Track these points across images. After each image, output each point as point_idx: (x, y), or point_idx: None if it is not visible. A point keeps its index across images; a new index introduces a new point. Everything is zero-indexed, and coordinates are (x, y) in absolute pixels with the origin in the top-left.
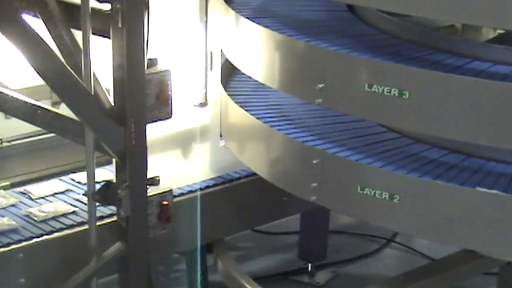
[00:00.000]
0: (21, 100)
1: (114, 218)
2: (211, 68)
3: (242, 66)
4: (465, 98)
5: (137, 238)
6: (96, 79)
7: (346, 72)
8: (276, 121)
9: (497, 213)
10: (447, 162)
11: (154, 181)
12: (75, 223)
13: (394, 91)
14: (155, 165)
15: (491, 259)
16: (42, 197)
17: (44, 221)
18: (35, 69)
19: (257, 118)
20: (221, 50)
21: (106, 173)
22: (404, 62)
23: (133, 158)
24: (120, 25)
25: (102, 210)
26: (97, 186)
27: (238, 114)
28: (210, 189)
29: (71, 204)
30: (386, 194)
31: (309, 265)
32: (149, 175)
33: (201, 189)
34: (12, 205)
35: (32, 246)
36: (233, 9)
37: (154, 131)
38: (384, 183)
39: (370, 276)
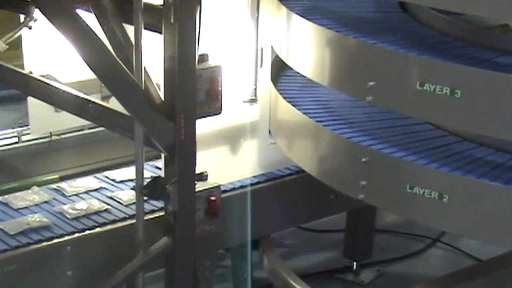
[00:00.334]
0: (72, 94)
1: (162, 213)
2: (261, 65)
3: (292, 62)
4: None
5: (184, 233)
6: (147, 74)
7: (397, 70)
8: (325, 118)
9: None
10: (493, 161)
11: (202, 177)
12: (116, 219)
13: (446, 89)
14: (203, 161)
15: None
16: (75, 194)
17: (76, 218)
18: (86, 63)
19: (306, 115)
20: (271, 47)
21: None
22: (457, 60)
23: (182, 153)
24: (172, 20)
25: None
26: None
27: (287, 111)
28: (258, 186)
29: (104, 202)
30: (435, 194)
31: (354, 263)
32: (197, 171)
33: (249, 185)
34: (45, 202)
35: (80, 240)
36: (284, 5)
37: (203, 127)
38: (434, 182)
39: (415, 275)
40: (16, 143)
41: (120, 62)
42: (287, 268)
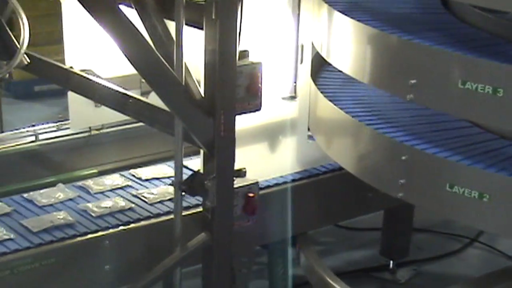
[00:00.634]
0: (113, 90)
1: (200, 209)
2: (301, 61)
3: (333, 59)
4: None
5: (222, 229)
6: (187, 70)
7: (439, 69)
8: (365, 116)
9: None
10: None
11: (241, 173)
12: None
13: (488, 88)
14: (242, 157)
15: None
16: (101, 192)
17: (100, 216)
18: (128, 59)
19: (346, 113)
20: (312, 43)
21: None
22: (499, 59)
23: (221, 150)
24: (213, 16)
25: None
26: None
27: (326, 108)
28: (296, 183)
29: (129, 200)
30: (475, 193)
31: (391, 262)
32: (236, 167)
33: (287, 182)
34: (70, 199)
35: (118, 234)
36: (326, 2)
37: (242, 123)
38: (474, 181)
39: (452, 275)
40: (55, 137)
41: (161, 57)
42: (324, 265)
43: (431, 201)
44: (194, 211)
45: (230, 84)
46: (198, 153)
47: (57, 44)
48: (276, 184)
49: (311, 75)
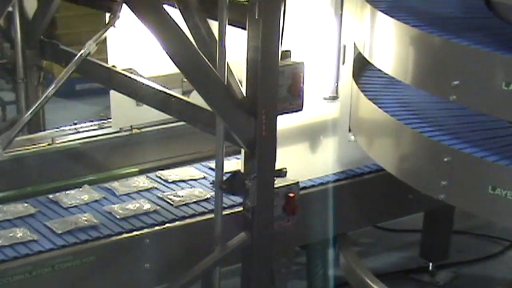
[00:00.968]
0: (155, 89)
1: (240, 208)
2: (343, 62)
3: (375, 60)
4: None
5: (261, 229)
6: (229, 70)
7: (482, 70)
8: (407, 117)
9: None
10: None
11: (281, 173)
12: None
13: None
14: (282, 157)
15: None
16: (126, 194)
17: (124, 219)
18: (171, 58)
19: (388, 113)
20: (354, 44)
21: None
22: None
23: (262, 149)
24: (256, 16)
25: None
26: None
27: (368, 109)
28: (336, 183)
29: (154, 203)
30: None
31: (430, 264)
32: (277, 167)
33: (327, 183)
34: (95, 201)
35: (159, 233)
36: (369, 3)
37: (283, 123)
38: None
39: (492, 278)
40: (97, 136)
41: (203, 57)
42: (363, 266)
43: (472, 203)
44: (234, 210)
45: (272, 84)
46: (236, 153)
47: (100, 43)
48: (317, 185)
49: (353, 76)
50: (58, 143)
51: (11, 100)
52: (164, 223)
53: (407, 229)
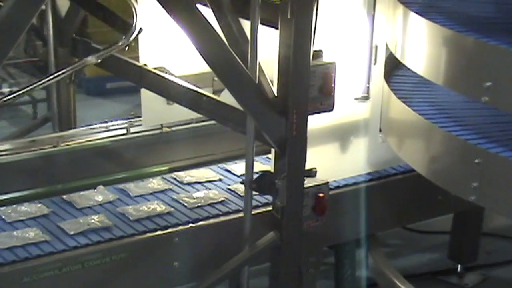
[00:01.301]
0: (186, 87)
1: (269, 208)
2: (375, 62)
3: (407, 60)
4: None
5: (291, 229)
6: (261, 69)
7: None
8: (438, 118)
9: None
10: None
11: (311, 173)
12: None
13: None
14: (312, 157)
15: None
16: (141, 195)
17: (137, 220)
18: (203, 57)
19: (419, 114)
20: (386, 44)
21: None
22: None
23: (292, 149)
24: (289, 16)
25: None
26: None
27: (399, 109)
28: (366, 184)
29: (169, 205)
30: None
31: (459, 266)
32: (307, 167)
33: (357, 183)
34: (109, 202)
35: (187, 231)
36: (401, 3)
37: (314, 123)
38: None
39: None
40: (126, 134)
41: (235, 56)
42: (392, 268)
43: (504, 205)
44: (264, 209)
45: (303, 84)
46: (264, 153)
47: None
48: (347, 185)
49: (384, 76)
50: (88, 141)
51: (42, 98)
52: (193, 221)
53: (435, 231)
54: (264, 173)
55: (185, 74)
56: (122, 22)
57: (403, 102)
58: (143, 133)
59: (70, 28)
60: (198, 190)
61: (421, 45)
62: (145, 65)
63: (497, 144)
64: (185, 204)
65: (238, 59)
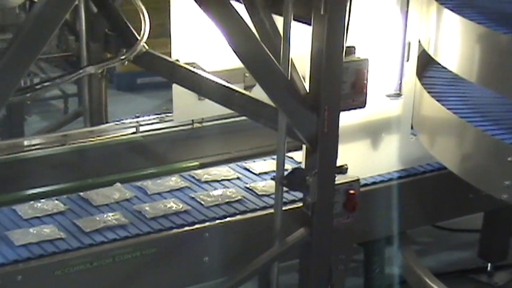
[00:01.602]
0: (219, 83)
1: (299, 204)
2: (407, 59)
3: (440, 57)
4: None
5: (321, 225)
6: (293, 65)
7: None
8: (471, 115)
9: None
10: None
11: (342, 169)
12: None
13: None
14: (344, 153)
15: None
16: (158, 193)
17: (154, 218)
18: (235, 52)
19: (451, 111)
20: (419, 41)
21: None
22: None
23: (324, 146)
24: (322, 12)
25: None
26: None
27: (431, 106)
28: (397, 181)
29: (185, 203)
30: None
31: (489, 264)
32: (338, 163)
33: (388, 180)
34: (126, 200)
35: (218, 227)
36: (435, 0)
37: (346, 119)
38: None
39: None
40: (158, 129)
41: (268, 52)
42: (422, 265)
43: None
44: (293, 206)
45: (335, 80)
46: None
47: (164, 37)
48: (377, 182)
49: (417, 73)
50: (119, 136)
51: (73, 93)
52: (222, 217)
53: (466, 229)
54: (295, 169)
55: (216, 70)
56: (131, 33)
57: (436, 99)
58: (174, 129)
59: (103, 23)
60: (216, 188)
61: (454, 42)
62: (177, 60)
63: None
64: (202, 203)
65: (271, 55)
